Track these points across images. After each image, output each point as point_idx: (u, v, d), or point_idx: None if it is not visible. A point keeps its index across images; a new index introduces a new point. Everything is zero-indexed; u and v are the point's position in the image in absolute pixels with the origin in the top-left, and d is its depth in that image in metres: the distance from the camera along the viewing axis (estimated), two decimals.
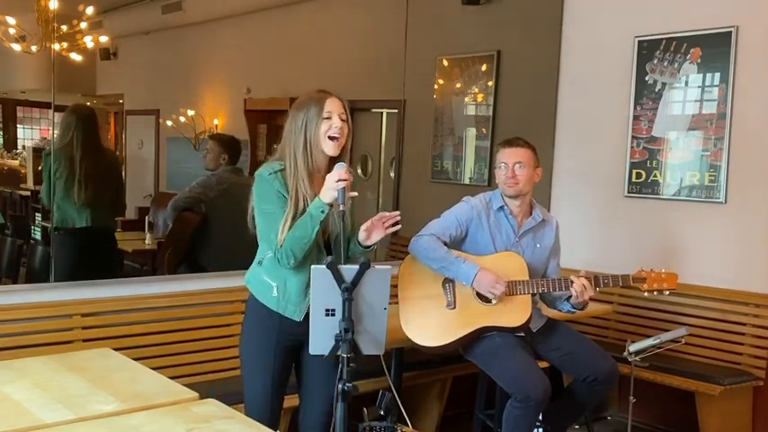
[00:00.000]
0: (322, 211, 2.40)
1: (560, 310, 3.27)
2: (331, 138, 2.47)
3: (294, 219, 2.45)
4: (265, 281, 2.58)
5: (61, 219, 3.56)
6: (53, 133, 3.65)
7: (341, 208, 2.34)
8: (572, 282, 3.07)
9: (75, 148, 3.61)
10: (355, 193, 2.47)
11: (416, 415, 4.04)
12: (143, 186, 4.62)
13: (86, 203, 3.63)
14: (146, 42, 4.62)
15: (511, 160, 3.18)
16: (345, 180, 2.35)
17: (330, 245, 2.56)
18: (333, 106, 2.49)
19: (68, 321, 3.24)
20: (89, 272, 3.50)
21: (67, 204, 3.58)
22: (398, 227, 2.51)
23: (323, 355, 2.21)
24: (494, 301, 3.12)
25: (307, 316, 2.51)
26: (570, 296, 3.14)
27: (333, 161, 2.50)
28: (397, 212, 2.50)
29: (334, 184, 2.36)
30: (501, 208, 3.23)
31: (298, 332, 2.55)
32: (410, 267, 3.22)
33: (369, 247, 2.53)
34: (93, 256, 3.71)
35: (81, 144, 3.62)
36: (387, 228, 2.50)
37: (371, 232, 2.50)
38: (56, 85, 3.52)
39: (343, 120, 2.49)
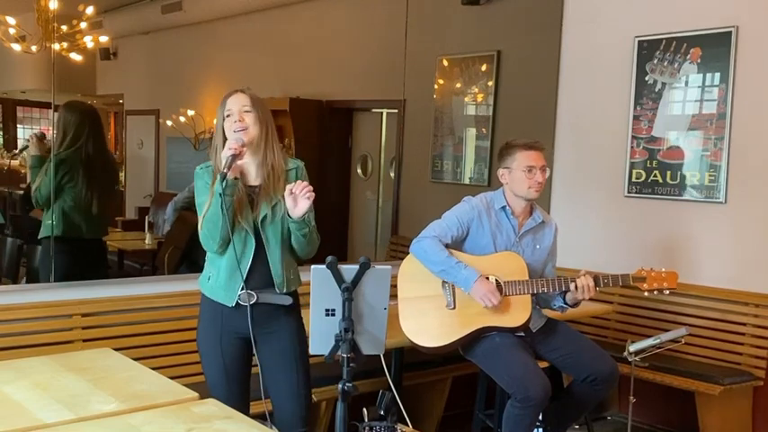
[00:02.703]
0: (223, 184, 2.44)
1: (552, 307, 3.26)
2: (236, 131, 2.55)
3: None
4: (206, 272, 2.67)
5: (67, 228, 3.50)
6: (53, 133, 3.62)
7: (224, 170, 2.44)
8: (573, 279, 3.07)
9: (89, 153, 3.55)
10: (241, 161, 2.54)
11: (416, 415, 4.04)
12: (143, 186, 4.62)
13: (98, 214, 3.60)
14: (146, 42, 4.63)
15: (539, 164, 3.16)
16: (232, 148, 2.47)
17: (258, 230, 2.59)
18: (233, 103, 2.60)
19: (68, 321, 3.24)
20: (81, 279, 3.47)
21: (77, 214, 3.53)
22: (311, 194, 2.51)
23: (323, 355, 2.21)
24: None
25: (248, 309, 2.56)
26: (564, 292, 3.14)
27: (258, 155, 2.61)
28: (305, 183, 2.52)
29: (225, 152, 2.49)
30: (503, 208, 3.23)
31: (240, 323, 2.60)
32: (410, 267, 3.22)
33: (296, 219, 2.53)
34: (87, 265, 3.66)
35: (94, 150, 3.57)
36: (307, 197, 2.50)
37: (296, 201, 2.51)
38: (56, 85, 3.51)
39: (246, 111, 2.58)
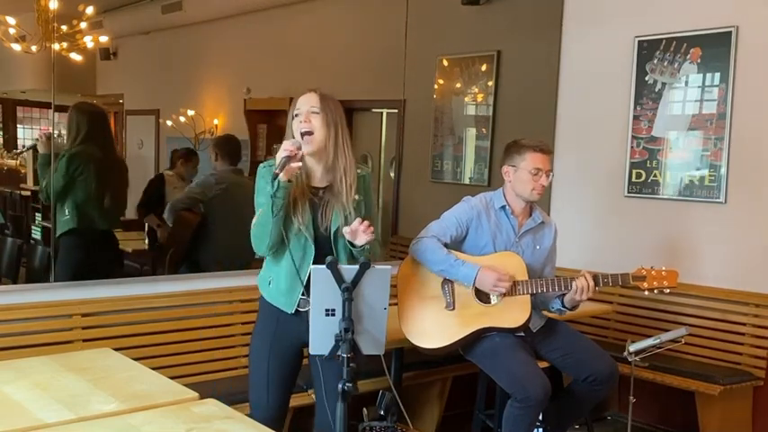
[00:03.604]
0: (275, 184, 2.38)
1: (550, 309, 3.26)
2: (302, 133, 2.50)
3: None
4: (265, 275, 2.65)
5: (80, 221, 3.54)
6: (53, 133, 3.64)
7: (275, 170, 2.37)
8: (571, 279, 3.07)
9: (99, 150, 3.64)
10: (299, 164, 2.45)
11: (416, 415, 4.04)
12: (143, 186, 4.61)
13: (110, 206, 3.69)
14: (146, 42, 4.62)
15: (546, 167, 3.16)
16: (287, 150, 2.38)
17: (327, 239, 2.55)
18: (302, 103, 2.54)
19: (68, 321, 3.24)
20: (96, 273, 3.51)
21: (89, 206, 3.58)
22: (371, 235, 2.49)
23: (323, 356, 2.21)
24: (493, 301, 3.12)
25: (303, 315, 2.54)
26: (563, 294, 3.13)
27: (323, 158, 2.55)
28: (366, 223, 2.47)
29: (280, 152, 2.41)
30: (503, 207, 3.23)
31: (296, 328, 2.56)
32: (409, 268, 3.21)
33: (356, 246, 2.51)
34: (102, 258, 3.72)
35: (103, 147, 3.67)
36: (368, 233, 2.47)
37: (356, 236, 2.48)
38: (56, 85, 3.51)
39: (314, 113, 2.51)
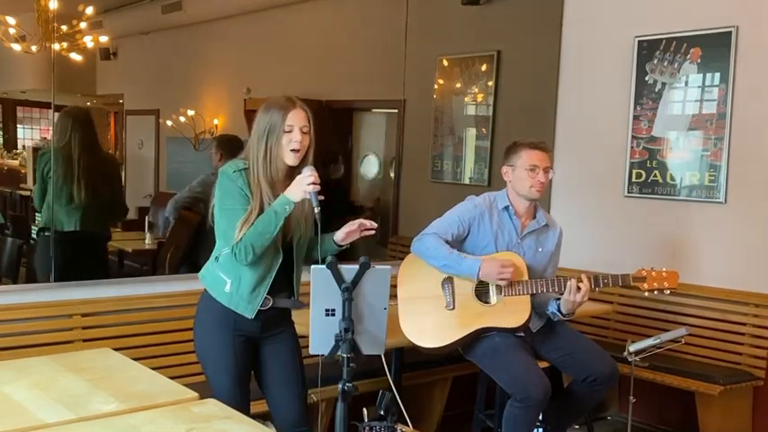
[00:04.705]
0: (287, 208, 2.43)
1: (546, 312, 3.23)
2: (292, 150, 2.51)
3: (257, 217, 2.49)
4: (220, 277, 2.61)
5: (48, 220, 3.53)
6: (53, 133, 3.64)
7: (316, 210, 2.40)
8: (567, 279, 3.06)
9: (73, 149, 3.60)
10: (322, 197, 2.47)
11: (416, 415, 4.04)
12: (143, 186, 4.62)
13: (77, 206, 3.61)
14: (146, 42, 4.62)
15: (543, 164, 3.16)
16: (318, 184, 2.42)
17: (290, 247, 2.59)
18: (295, 119, 2.51)
19: (68, 321, 3.25)
20: (76, 274, 3.48)
21: (57, 206, 3.56)
22: (372, 232, 2.59)
23: (322, 355, 2.21)
24: (493, 301, 3.12)
25: (259, 313, 2.57)
26: (559, 299, 3.12)
27: (294, 168, 2.56)
28: (375, 225, 2.58)
29: (306, 187, 2.41)
30: (506, 208, 3.22)
31: (252, 329, 2.62)
32: (409, 268, 3.22)
33: (342, 246, 2.61)
34: (80, 261, 3.67)
35: (78, 146, 3.61)
36: (362, 233, 2.58)
37: (349, 235, 2.58)
38: (56, 85, 3.52)
39: (304, 132, 2.52)
